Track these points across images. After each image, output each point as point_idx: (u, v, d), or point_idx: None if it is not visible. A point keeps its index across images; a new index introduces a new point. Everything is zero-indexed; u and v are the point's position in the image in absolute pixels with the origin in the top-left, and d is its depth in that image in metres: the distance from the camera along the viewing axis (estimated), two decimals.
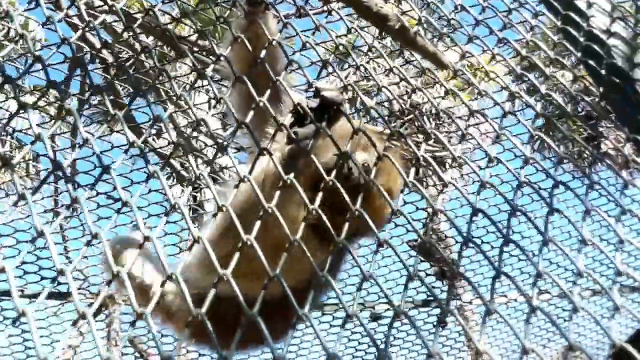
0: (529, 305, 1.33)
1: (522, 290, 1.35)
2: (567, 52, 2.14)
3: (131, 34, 2.57)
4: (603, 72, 2.00)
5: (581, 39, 2.09)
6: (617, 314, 1.32)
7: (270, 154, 1.54)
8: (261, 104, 1.67)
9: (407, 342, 4.98)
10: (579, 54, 2.07)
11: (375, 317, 5.05)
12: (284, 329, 1.89)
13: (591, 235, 1.54)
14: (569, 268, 4.53)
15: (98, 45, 2.77)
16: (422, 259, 4.62)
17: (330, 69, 1.92)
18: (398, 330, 4.78)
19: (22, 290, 4.32)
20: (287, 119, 1.66)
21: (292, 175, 1.51)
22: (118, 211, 1.39)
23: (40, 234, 1.28)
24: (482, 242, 4.30)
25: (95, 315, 4.32)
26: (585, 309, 1.37)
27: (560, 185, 1.67)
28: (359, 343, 4.87)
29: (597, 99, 2.01)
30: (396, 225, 4.20)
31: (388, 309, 4.72)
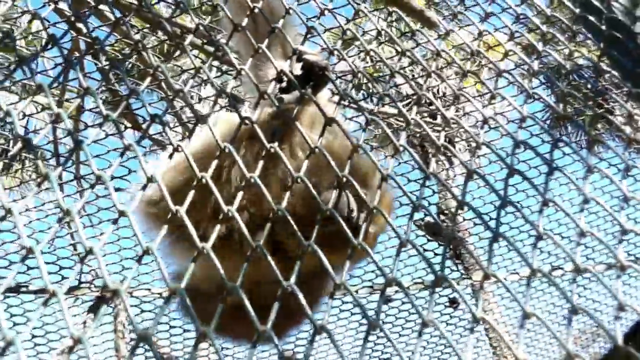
0: (528, 265, 1.25)
1: (519, 251, 1.28)
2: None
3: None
4: (603, 27, 1.92)
5: None
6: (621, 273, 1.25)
7: (253, 123, 1.47)
8: (243, 72, 1.60)
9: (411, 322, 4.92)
10: (577, 10, 1.98)
11: (386, 300, 5.02)
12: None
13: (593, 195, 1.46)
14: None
15: (82, 27, 2.70)
16: (430, 238, 4.54)
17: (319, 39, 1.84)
18: (399, 309, 4.72)
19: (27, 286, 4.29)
20: (270, 87, 1.58)
21: (275, 144, 1.44)
22: (92, 186, 1.33)
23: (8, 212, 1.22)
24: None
25: (97, 306, 4.29)
26: (588, 269, 1.30)
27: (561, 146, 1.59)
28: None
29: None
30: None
31: (397, 291, 4.65)
